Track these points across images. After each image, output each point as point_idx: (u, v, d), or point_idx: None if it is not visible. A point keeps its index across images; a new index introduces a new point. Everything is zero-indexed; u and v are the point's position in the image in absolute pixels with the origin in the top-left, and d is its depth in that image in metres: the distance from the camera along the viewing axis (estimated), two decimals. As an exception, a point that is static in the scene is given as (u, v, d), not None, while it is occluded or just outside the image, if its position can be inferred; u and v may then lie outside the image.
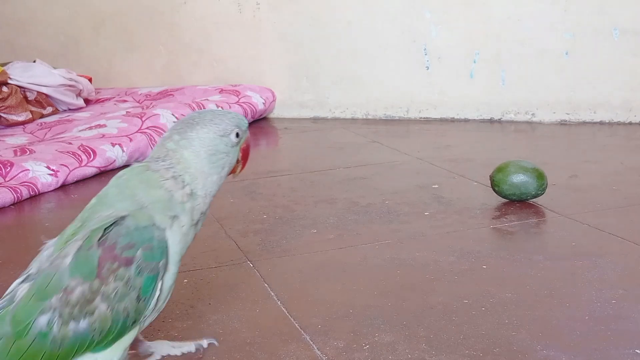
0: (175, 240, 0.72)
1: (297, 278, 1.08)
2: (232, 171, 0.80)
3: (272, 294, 1.03)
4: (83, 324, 0.68)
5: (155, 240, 0.70)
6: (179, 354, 0.84)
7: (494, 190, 1.39)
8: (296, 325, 0.92)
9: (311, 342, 0.87)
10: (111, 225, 0.69)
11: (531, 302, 0.96)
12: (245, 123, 0.79)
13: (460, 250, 1.15)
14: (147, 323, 0.75)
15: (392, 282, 1.05)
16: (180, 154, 0.74)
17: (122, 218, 0.70)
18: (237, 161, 0.79)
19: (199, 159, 0.75)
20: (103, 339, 0.70)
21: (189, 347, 0.85)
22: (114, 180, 0.75)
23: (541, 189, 1.36)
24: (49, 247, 0.73)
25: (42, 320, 0.68)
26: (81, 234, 0.70)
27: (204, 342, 0.86)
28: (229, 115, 0.78)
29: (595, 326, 0.88)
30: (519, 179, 1.35)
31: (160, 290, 0.71)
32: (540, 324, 0.89)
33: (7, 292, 0.72)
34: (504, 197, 1.38)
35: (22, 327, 0.68)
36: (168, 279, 0.72)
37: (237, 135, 0.77)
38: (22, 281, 0.71)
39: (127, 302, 0.69)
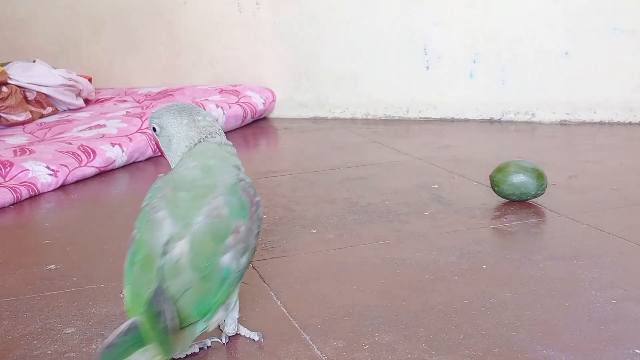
0: None
1: (297, 278, 1.08)
2: None
3: (272, 294, 1.03)
4: (245, 259, 0.82)
5: (253, 186, 0.88)
6: (183, 355, 0.85)
7: (494, 190, 1.39)
8: (296, 325, 0.92)
9: (311, 342, 0.87)
10: (242, 181, 0.85)
11: (531, 302, 0.96)
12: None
13: (460, 250, 1.15)
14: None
15: (392, 282, 1.05)
16: (214, 128, 0.89)
17: (243, 179, 0.86)
18: None
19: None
20: (237, 277, 0.82)
21: (193, 349, 0.86)
22: (197, 152, 0.88)
23: (541, 189, 1.36)
24: (162, 218, 0.80)
25: (226, 260, 0.79)
26: (214, 193, 0.82)
27: (208, 342, 0.88)
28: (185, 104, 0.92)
29: (595, 326, 0.88)
30: (519, 179, 1.35)
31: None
32: (540, 324, 0.89)
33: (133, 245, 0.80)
34: (503, 197, 1.38)
35: (207, 270, 0.77)
36: None
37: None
38: (164, 254, 0.77)
39: (257, 238, 0.85)
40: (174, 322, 0.72)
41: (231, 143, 0.91)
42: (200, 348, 0.86)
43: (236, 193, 0.83)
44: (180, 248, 0.77)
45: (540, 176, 1.36)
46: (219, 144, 0.89)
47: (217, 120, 2.21)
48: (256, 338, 0.88)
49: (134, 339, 0.71)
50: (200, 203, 0.81)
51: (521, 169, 1.36)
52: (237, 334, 0.89)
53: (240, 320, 0.91)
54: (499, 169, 1.38)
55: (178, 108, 0.89)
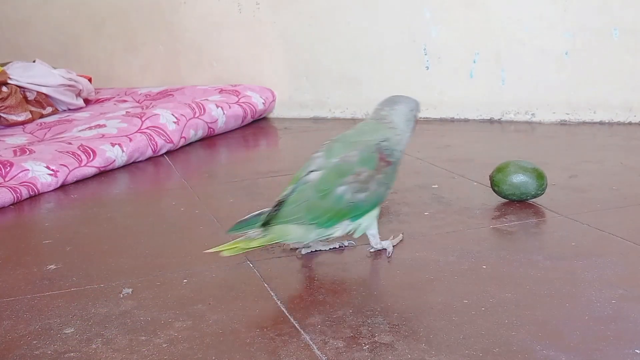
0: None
1: (296, 278, 1.08)
2: None
3: (272, 294, 1.03)
4: (362, 195, 1.07)
5: (397, 155, 1.12)
6: (327, 249, 1.17)
7: (494, 190, 1.39)
8: (296, 325, 0.92)
9: (311, 342, 0.87)
10: (379, 143, 1.10)
11: (531, 302, 0.96)
12: (419, 105, 1.18)
13: (460, 250, 1.15)
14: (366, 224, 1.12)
15: (392, 282, 1.05)
16: (392, 117, 1.14)
17: (383, 141, 1.10)
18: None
19: (401, 121, 1.14)
20: (366, 209, 1.09)
21: (333, 244, 1.18)
22: (360, 125, 1.17)
23: (541, 189, 1.36)
24: (319, 157, 1.11)
25: (341, 189, 1.06)
26: (356, 147, 1.09)
27: (345, 242, 1.19)
28: (412, 99, 1.18)
29: (595, 326, 0.88)
30: (518, 179, 1.35)
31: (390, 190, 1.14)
32: (540, 324, 0.89)
33: (298, 179, 1.10)
34: (503, 197, 1.38)
35: (325, 192, 1.06)
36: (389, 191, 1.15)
37: (416, 111, 1.17)
38: (306, 175, 1.09)
39: (383, 188, 1.10)
40: (281, 217, 1.06)
41: (397, 127, 1.13)
42: (339, 246, 1.18)
43: (371, 149, 1.09)
44: (314, 175, 1.08)
45: (540, 176, 1.36)
46: (377, 121, 1.14)
47: (216, 120, 2.21)
48: (390, 249, 1.16)
49: (258, 219, 1.06)
50: (344, 151, 1.09)
51: (521, 169, 1.36)
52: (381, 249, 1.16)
53: (240, 320, 0.91)
54: (499, 169, 1.38)
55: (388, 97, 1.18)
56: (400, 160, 1.14)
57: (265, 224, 1.06)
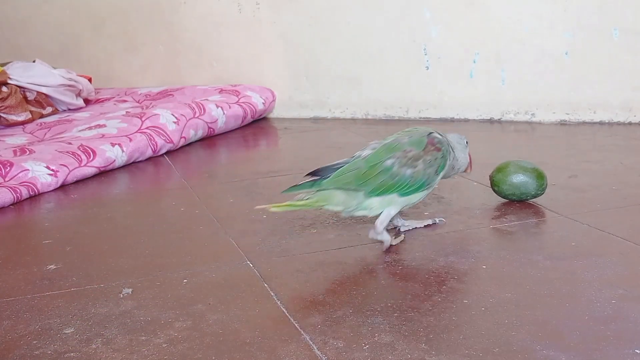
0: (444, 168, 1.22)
1: (296, 278, 1.08)
2: (468, 169, 1.30)
3: (272, 294, 1.03)
4: (408, 171, 1.16)
5: (448, 148, 1.22)
6: (422, 226, 1.28)
7: (494, 190, 1.39)
8: (296, 325, 0.92)
9: (311, 342, 0.87)
10: (431, 133, 1.21)
11: (531, 302, 0.96)
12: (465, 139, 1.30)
13: (460, 250, 1.15)
14: (415, 201, 1.21)
15: (392, 282, 1.05)
16: (447, 136, 1.25)
17: (435, 133, 1.21)
18: (469, 164, 1.29)
19: (453, 139, 1.26)
20: (411, 187, 1.17)
21: (426, 222, 1.29)
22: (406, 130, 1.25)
23: (541, 189, 1.36)
24: (374, 143, 1.22)
25: (389, 162, 1.16)
26: (408, 135, 1.21)
27: (436, 219, 1.30)
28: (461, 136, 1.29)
29: (595, 326, 0.88)
30: (518, 179, 1.35)
31: (438, 179, 1.21)
32: (540, 324, 0.89)
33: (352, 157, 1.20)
34: (503, 197, 1.38)
35: (374, 164, 1.16)
36: (438, 181, 1.22)
37: (467, 143, 1.29)
38: (360, 152, 1.20)
39: (430, 170, 1.18)
40: (329, 180, 1.15)
41: (450, 139, 1.25)
42: (433, 222, 1.29)
43: (422, 135, 1.20)
44: (367, 152, 1.19)
45: (540, 176, 1.36)
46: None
47: (216, 120, 2.21)
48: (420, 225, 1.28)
49: (310, 182, 1.15)
50: (394, 139, 1.21)
51: (521, 169, 1.36)
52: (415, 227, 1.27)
53: (240, 320, 0.91)
54: (499, 169, 1.38)
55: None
56: (449, 174, 1.26)
57: (315, 185, 1.15)
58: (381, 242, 1.18)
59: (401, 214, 1.27)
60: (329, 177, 1.15)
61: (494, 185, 1.38)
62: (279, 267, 1.13)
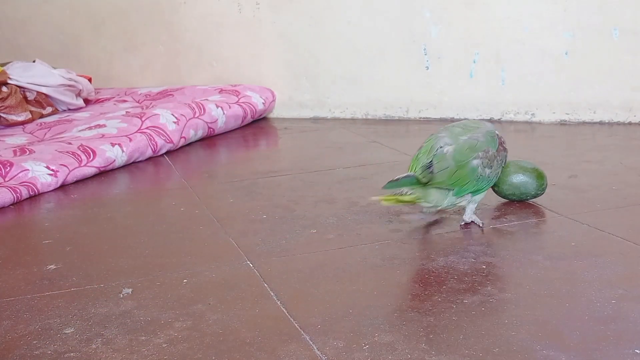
0: None
1: (296, 278, 1.08)
2: None
3: (272, 293, 1.03)
4: (488, 171, 1.25)
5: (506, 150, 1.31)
6: (481, 224, 1.28)
7: (494, 190, 1.39)
8: (296, 325, 0.92)
9: (311, 342, 0.87)
10: (495, 131, 1.29)
11: (531, 302, 0.96)
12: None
13: (461, 250, 1.15)
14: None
15: (392, 282, 1.05)
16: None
17: (497, 132, 1.30)
18: None
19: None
20: (487, 185, 1.26)
21: (479, 221, 1.29)
22: (464, 121, 1.33)
23: (541, 189, 1.36)
24: (443, 136, 1.25)
25: (475, 162, 1.23)
26: (476, 129, 1.27)
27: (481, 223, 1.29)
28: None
29: (595, 326, 0.88)
30: (518, 179, 1.35)
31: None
32: (540, 324, 0.89)
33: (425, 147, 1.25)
34: (503, 197, 1.38)
35: (463, 163, 1.21)
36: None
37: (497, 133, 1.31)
38: (440, 148, 1.23)
39: (499, 170, 1.29)
40: (433, 176, 1.20)
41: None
42: (482, 224, 1.28)
43: (492, 134, 1.28)
44: (449, 148, 1.22)
45: (540, 176, 1.36)
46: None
47: (216, 120, 2.21)
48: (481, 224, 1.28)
49: (410, 179, 1.20)
50: (468, 133, 1.26)
51: (521, 169, 1.36)
52: (471, 221, 1.29)
53: (240, 320, 0.91)
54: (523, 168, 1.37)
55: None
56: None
57: (419, 182, 1.21)
58: (472, 222, 1.29)
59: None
60: (431, 173, 1.21)
61: (494, 185, 1.38)
62: (279, 267, 1.13)
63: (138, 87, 2.70)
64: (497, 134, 1.29)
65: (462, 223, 1.28)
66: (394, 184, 1.20)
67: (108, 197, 1.67)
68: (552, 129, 2.14)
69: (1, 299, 1.06)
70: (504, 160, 1.30)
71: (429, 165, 1.20)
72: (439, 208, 1.26)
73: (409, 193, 1.22)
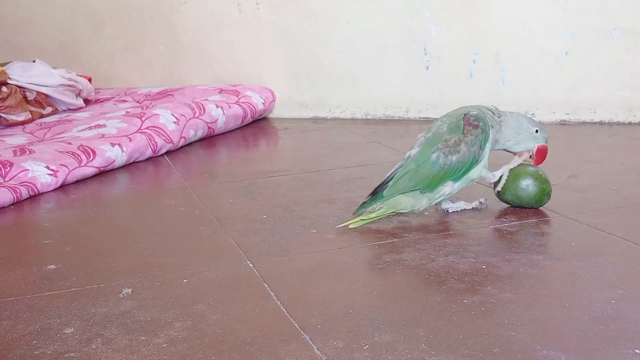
0: (489, 142, 1.29)
1: (296, 278, 1.08)
2: (522, 154, 1.34)
3: (272, 293, 1.03)
4: (454, 157, 1.25)
5: (487, 122, 1.28)
6: (469, 207, 1.35)
7: (497, 192, 1.37)
8: (296, 325, 0.92)
9: (311, 342, 0.87)
10: (467, 113, 1.28)
11: (531, 302, 0.96)
12: (546, 134, 1.33)
13: (460, 250, 1.15)
14: (475, 177, 1.31)
15: (392, 282, 1.05)
16: (506, 113, 1.34)
17: (472, 111, 1.29)
18: (531, 157, 1.34)
19: (512, 117, 1.33)
20: (460, 170, 1.26)
21: (474, 204, 1.35)
22: (462, 107, 1.34)
23: (540, 204, 1.34)
24: (421, 136, 1.31)
25: (434, 156, 1.25)
26: (448, 119, 1.29)
27: (482, 200, 1.36)
28: (538, 122, 1.34)
29: (595, 326, 0.88)
30: (524, 191, 1.33)
31: (486, 152, 1.28)
32: (540, 324, 0.89)
33: (404, 159, 1.30)
34: (503, 201, 1.37)
35: (421, 161, 1.25)
36: (486, 153, 1.29)
37: (537, 131, 1.32)
38: (409, 152, 1.30)
39: (474, 148, 1.26)
40: (389, 189, 1.26)
41: (502, 116, 1.33)
42: (480, 204, 1.35)
43: (458, 119, 1.28)
44: (414, 151, 1.29)
45: (543, 194, 1.33)
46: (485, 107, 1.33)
47: (216, 120, 2.21)
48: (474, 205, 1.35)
49: (375, 198, 1.27)
50: (438, 126, 1.30)
51: (530, 179, 1.32)
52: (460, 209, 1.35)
53: (240, 320, 0.91)
54: (514, 176, 1.34)
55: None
56: (490, 145, 1.29)
57: (374, 194, 1.27)
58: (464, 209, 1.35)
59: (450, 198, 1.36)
60: (387, 187, 1.27)
61: (499, 189, 1.35)
62: (279, 267, 1.13)
63: (138, 87, 2.70)
64: (469, 115, 1.27)
65: (445, 210, 1.34)
66: (363, 207, 1.28)
67: (108, 197, 1.67)
68: (552, 129, 2.14)
69: (1, 299, 1.06)
70: (480, 137, 1.26)
71: (386, 181, 1.28)
72: (422, 209, 1.30)
73: (377, 209, 1.28)
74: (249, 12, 2.52)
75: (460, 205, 1.35)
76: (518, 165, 1.34)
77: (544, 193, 1.33)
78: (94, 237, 1.34)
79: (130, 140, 1.94)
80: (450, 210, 1.35)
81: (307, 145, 2.10)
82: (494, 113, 1.31)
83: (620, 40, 2.12)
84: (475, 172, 1.29)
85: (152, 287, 1.07)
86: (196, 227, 1.36)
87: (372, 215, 1.28)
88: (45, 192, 1.67)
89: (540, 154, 1.33)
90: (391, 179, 1.27)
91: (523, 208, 1.35)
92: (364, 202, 1.29)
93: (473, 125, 1.27)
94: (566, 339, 0.85)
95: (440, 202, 1.32)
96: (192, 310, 0.98)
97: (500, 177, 1.33)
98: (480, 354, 0.82)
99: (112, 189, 1.74)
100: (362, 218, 1.28)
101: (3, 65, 2.43)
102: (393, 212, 1.29)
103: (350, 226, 1.27)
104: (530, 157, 1.34)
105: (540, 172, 1.33)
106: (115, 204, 1.59)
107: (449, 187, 1.28)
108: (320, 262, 1.14)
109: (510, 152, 1.36)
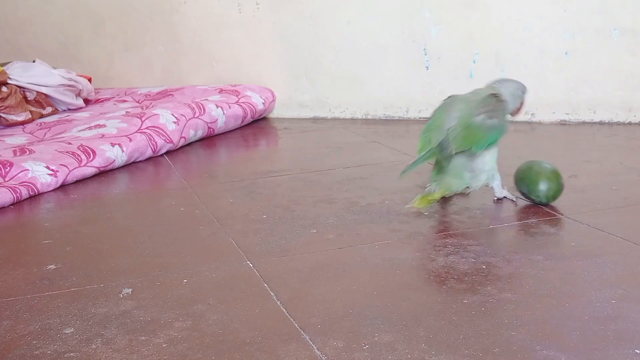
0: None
1: (296, 278, 1.08)
2: (514, 113, 1.45)
3: (272, 293, 1.03)
4: (490, 122, 1.33)
5: (506, 101, 1.39)
6: (513, 199, 1.41)
7: (521, 187, 1.37)
8: (296, 325, 0.92)
9: (311, 342, 0.87)
10: (489, 96, 1.37)
11: (531, 302, 0.96)
12: (526, 88, 1.46)
13: (460, 250, 1.15)
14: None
15: (392, 282, 1.05)
16: (499, 89, 1.40)
17: (494, 94, 1.38)
18: (518, 109, 1.45)
19: (507, 92, 1.40)
20: (492, 139, 1.34)
21: (512, 196, 1.42)
22: (472, 90, 1.44)
23: (546, 200, 1.36)
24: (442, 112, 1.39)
25: (478, 118, 1.33)
26: (478, 95, 1.39)
27: (514, 197, 1.41)
28: (520, 82, 1.46)
29: (595, 326, 0.88)
30: (542, 187, 1.35)
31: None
32: (540, 324, 0.89)
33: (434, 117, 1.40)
34: (523, 193, 1.38)
35: (468, 124, 1.32)
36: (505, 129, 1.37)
37: (522, 92, 1.45)
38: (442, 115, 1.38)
39: (501, 120, 1.36)
40: (451, 151, 1.31)
41: (502, 95, 1.39)
42: (514, 199, 1.40)
43: (489, 93, 1.38)
44: (456, 120, 1.34)
45: (555, 191, 1.35)
46: (486, 89, 1.42)
47: (216, 120, 2.21)
48: (514, 199, 1.41)
49: (430, 153, 1.33)
50: (469, 101, 1.39)
51: (550, 181, 1.35)
52: (504, 197, 1.42)
53: (240, 320, 0.91)
54: (549, 172, 1.36)
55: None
56: (506, 127, 1.37)
57: (428, 154, 1.34)
58: (504, 197, 1.42)
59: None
60: (447, 149, 1.32)
61: (524, 184, 1.37)
62: (279, 267, 1.13)
63: (138, 87, 2.70)
64: (493, 96, 1.37)
65: (495, 199, 1.42)
66: (414, 163, 1.34)
67: (108, 197, 1.67)
68: (552, 129, 2.14)
69: (1, 299, 1.06)
70: (505, 110, 1.38)
71: (444, 142, 1.32)
72: (460, 191, 1.38)
73: (433, 191, 1.33)
74: (249, 12, 2.52)
75: (505, 193, 1.43)
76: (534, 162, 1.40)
77: (559, 190, 1.36)
78: (94, 237, 1.34)
79: (130, 140, 1.94)
80: (500, 197, 1.42)
81: (307, 145, 2.10)
82: (492, 89, 1.42)
83: (620, 40, 2.11)
84: (491, 161, 1.37)
85: (152, 287, 1.07)
86: (196, 227, 1.36)
87: (436, 196, 1.33)
88: (45, 192, 1.67)
89: (521, 108, 1.47)
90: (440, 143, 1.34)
91: (534, 203, 1.37)
92: (416, 161, 1.34)
93: (502, 101, 1.38)
94: (566, 339, 0.85)
95: (493, 190, 1.41)
96: (192, 310, 0.98)
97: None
98: (480, 354, 0.82)
99: (112, 189, 1.74)
100: (426, 197, 1.33)
101: (3, 65, 2.43)
102: (447, 193, 1.35)
103: (417, 206, 1.33)
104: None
105: (556, 171, 1.37)
106: (115, 204, 1.59)
107: (489, 156, 1.35)
108: (320, 262, 1.14)
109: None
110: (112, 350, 0.88)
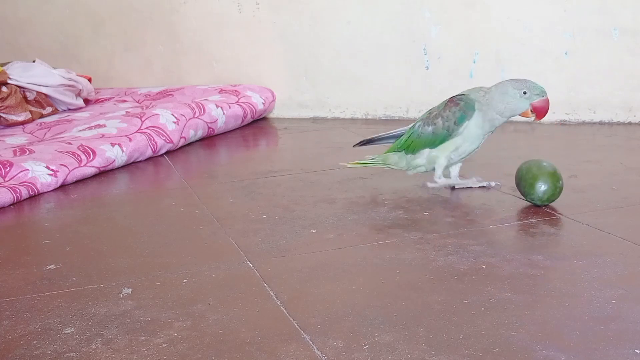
0: (477, 119, 1.40)
1: (296, 278, 1.08)
2: (525, 115, 1.39)
3: (272, 293, 1.03)
4: (430, 128, 1.43)
5: (469, 102, 1.40)
6: (476, 186, 1.49)
7: (522, 187, 1.37)
8: (295, 325, 0.92)
9: (311, 342, 0.87)
10: (459, 94, 1.43)
11: (531, 302, 0.96)
12: (538, 87, 1.37)
13: (461, 250, 1.15)
14: (459, 159, 1.47)
15: (392, 282, 1.05)
16: (492, 87, 1.41)
17: (465, 92, 1.43)
18: (531, 111, 1.37)
19: (497, 90, 1.39)
20: (436, 141, 1.43)
21: (482, 183, 1.49)
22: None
23: (542, 198, 1.35)
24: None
25: (417, 124, 1.46)
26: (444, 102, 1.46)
27: (492, 183, 1.50)
28: (525, 81, 1.38)
29: (595, 326, 0.88)
30: (541, 188, 1.34)
31: (466, 130, 1.41)
32: (540, 324, 0.89)
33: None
34: (523, 192, 1.37)
35: (410, 130, 1.47)
36: (471, 132, 1.41)
37: (525, 92, 1.36)
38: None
39: (448, 123, 1.41)
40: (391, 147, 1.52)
41: (489, 92, 1.41)
42: (487, 185, 1.49)
43: (440, 105, 1.45)
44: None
45: (551, 195, 1.34)
46: (479, 89, 1.45)
47: (216, 120, 2.21)
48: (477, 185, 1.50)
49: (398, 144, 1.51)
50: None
51: (551, 181, 1.34)
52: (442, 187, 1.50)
53: (240, 320, 0.91)
54: (545, 174, 1.35)
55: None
56: (494, 125, 1.40)
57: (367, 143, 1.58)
58: (445, 187, 1.50)
59: (460, 174, 1.51)
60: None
61: (525, 185, 1.36)
62: (279, 267, 1.13)
63: (138, 87, 2.71)
64: (455, 97, 1.43)
65: (428, 185, 1.49)
66: (363, 142, 1.58)
67: (108, 197, 1.67)
68: (552, 129, 2.14)
69: (1, 299, 1.06)
70: (457, 113, 1.40)
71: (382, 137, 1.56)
72: (401, 168, 1.51)
73: (371, 158, 1.55)
74: (249, 12, 2.52)
75: (468, 182, 1.50)
76: (534, 162, 1.39)
77: (554, 194, 1.34)
78: (94, 237, 1.34)
79: (130, 140, 1.94)
80: (456, 187, 1.50)
81: (307, 145, 2.10)
82: (485, 93, 1.41)
83: (620, 40, 2.12)
84: (452, 145, 1.42)
85: (152, 287, 1.07)
86: (196, 227, 1.36)
87: (367, 162, 1.54)
88: (45, 192, 1.67)
89: (539, 111, 1.37)
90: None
91: (532, 203, 1.37)
92: (367, 140, 1.58)
93: (454, 103, 1.42)
94: (566, 339, 0.85)
95: (451, 184, 1.50)
96: (192, 310, 0.98)
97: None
98: (480, 354, 0.82)
99: (112, 189, 1.74)
100: (358, 162, 1.55)
101: (3, 65, 2.43)
102: (383, 165, 1.53)
103: (348, 165, 1.57)
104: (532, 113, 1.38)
105: (556, 172, 1.35)
106: (115, 204, 1.59)
107: (424, 155, 1.46)
108: (320, 262, 1.14)
109: (522, 116, 1.41)
110: (112, 350, 0.88)
